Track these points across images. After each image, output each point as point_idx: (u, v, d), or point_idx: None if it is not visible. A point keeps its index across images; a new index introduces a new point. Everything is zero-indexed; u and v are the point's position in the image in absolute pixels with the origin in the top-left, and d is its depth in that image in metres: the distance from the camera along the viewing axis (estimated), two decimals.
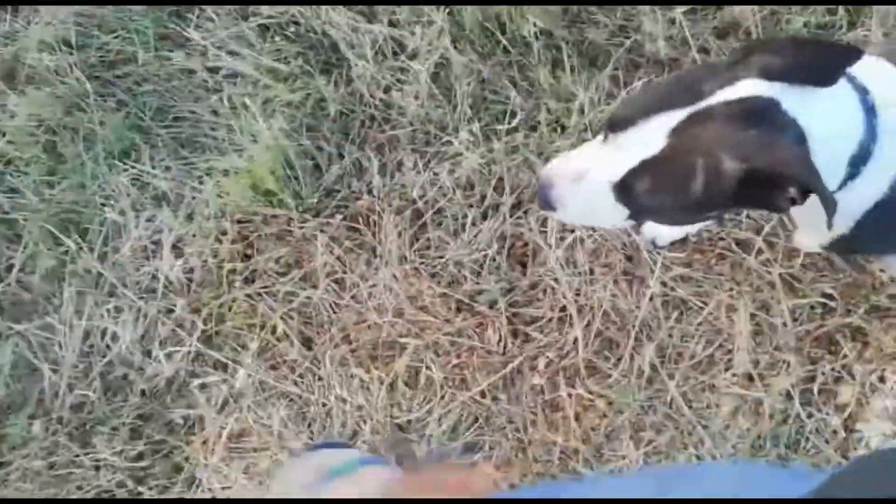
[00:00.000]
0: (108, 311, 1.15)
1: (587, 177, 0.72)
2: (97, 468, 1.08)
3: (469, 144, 1.18)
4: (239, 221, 1.17)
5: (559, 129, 1.18)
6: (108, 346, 1.13)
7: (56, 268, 1.17)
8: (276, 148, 1.18)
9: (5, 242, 1.18)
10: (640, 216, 0.74)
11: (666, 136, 0.67)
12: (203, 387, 1.10)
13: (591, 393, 1.04)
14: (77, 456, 1.08)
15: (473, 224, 1.15)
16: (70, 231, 1.18)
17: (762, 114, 0.65)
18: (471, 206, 1.17)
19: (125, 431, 1.09)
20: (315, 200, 1.17)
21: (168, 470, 1.08)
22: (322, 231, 1.16)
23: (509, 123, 1.18)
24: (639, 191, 0.69)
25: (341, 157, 1.20)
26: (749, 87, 0.66)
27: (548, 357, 1.07)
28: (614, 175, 0.70)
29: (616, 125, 0.70)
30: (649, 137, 0.68)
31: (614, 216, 0.73)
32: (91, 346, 1.14)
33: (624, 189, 0.70)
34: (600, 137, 0.74)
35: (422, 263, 1.14)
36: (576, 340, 1.07)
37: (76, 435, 1.10)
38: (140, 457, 1.08)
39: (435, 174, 1.18)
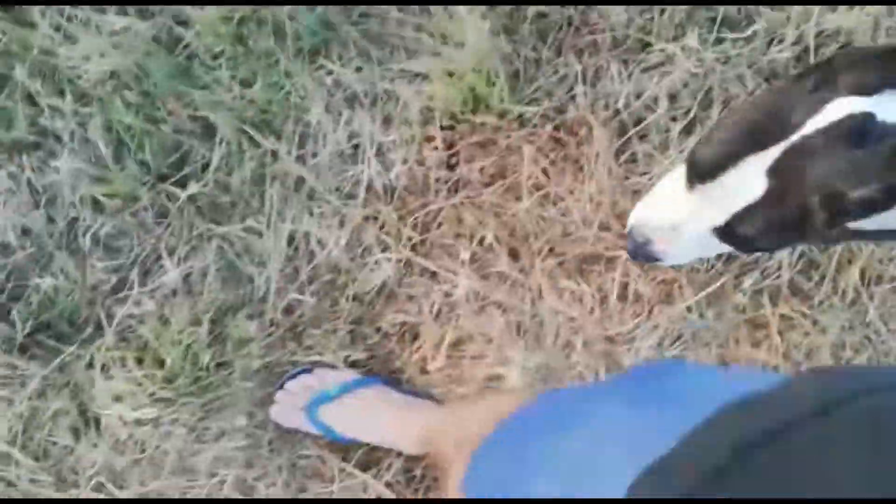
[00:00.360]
0: (311, 215, 1.15)
1: (685, 228, 0.72)
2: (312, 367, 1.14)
3: (677, 53, 1.14)
4: (442, 128, 1.15)
5: (774, 41, 1.14)
6: (312, 252, 1.15)
7: (254, 169, 1.15)
8: (475, 51, 1.14)
9: (200, 141, 1.16)
10: (749, 251, 0.76)
11: (765, 176, 0.65)
12: (413, 296, 1.14)
13: (794, 312, 1.09)
14: (294, 354, 1.13)
15: (678, 139, 1.14)
16: (265, 131, 1.16)
17: (862, 130, 0.63)
18: (674, 119, 1.15)
19: (342, 334, 1.13)
20: (519, 109, 1.14)
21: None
22: (529, 142, 1.14)
23: (720, 33, 1.14)
24: (746, 233, 0.69)
25: (540, 63, 1.17)
26: (840, 107, 0.63)
27: (752, 276, 1.11)
28: (715, 222, 0.69)
29: (702, 173, 0.68)
30: (746, 181, 0.65)
31: (721, 250, 0.75)
32: (296, 250, 1.15)
33: (728, 232, 0.70)
34: (682, 180, 0.72)
35: (626, 179, 1.14)
36: (780, 261, 1.10)
37: (290, 336, 1.14)
38: (358, 363, 1.13)
39: (639, 84, 1.15)
